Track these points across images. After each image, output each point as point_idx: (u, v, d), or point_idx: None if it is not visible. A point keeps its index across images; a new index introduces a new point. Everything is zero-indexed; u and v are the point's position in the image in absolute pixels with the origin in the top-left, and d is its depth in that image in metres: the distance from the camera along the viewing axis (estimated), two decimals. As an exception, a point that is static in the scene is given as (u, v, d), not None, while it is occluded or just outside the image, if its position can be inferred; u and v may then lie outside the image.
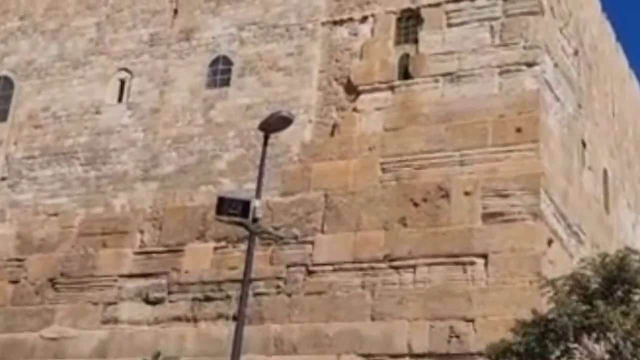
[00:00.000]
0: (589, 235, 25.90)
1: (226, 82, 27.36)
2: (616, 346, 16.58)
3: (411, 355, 21.92)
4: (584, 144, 27.10)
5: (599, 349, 17.03)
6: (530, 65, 23.79)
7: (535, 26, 24.19)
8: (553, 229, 22.98)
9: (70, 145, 28.62)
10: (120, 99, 28.82)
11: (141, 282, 25.71)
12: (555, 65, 25.09)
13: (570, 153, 25.59)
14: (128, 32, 29.53)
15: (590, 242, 25.78)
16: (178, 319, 24.91)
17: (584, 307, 16.54)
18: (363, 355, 22.39)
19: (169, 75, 28.25)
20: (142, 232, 26.45)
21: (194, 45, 28.29)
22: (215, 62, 27.79)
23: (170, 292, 25.30)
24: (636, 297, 17.10)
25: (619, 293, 16.95)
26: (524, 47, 23.98)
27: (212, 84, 27.55)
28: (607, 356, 16.97)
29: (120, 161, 27.69)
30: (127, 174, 27.45)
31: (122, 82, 28.99)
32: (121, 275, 26.07)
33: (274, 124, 18.33)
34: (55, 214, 27.77)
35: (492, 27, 24.49)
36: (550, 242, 22.58)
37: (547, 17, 24.74)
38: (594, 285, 17.09)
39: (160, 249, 25.95)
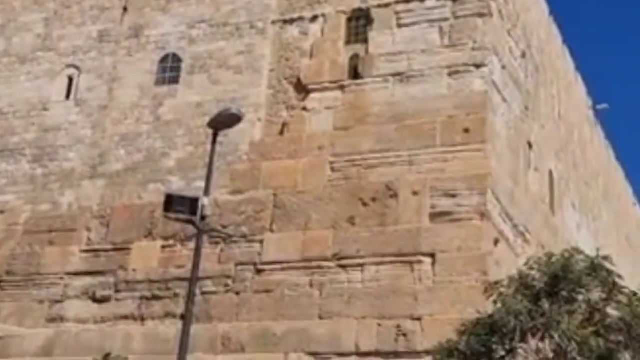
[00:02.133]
0: (535, 235, 26.20)
1: (175, 80, 27.25)
2: (560, 345, 16.76)
3: (358, 353, 22.00)
4: (530, 146, 27.41)
5: (544, 348, 17.21)
6: (478, 66, 24.03)
7: (484, 28, 24.43)
8: (499, 229, 23.22)
9: (17, 142, 28.31)
10: (68, 96, 28.56)
11: (88, 281, 25.50)
12: (503, 67, 25.36)
13: (516, 154, 25.87)
14: (76, 29, 29.27)
15: (536, 242, 26.08)
16: (125, 317, 24.74)
17: (529, 307, 16.69)
18: (311, 354, 22.42)
19: (118, 72, 28.06)
20: (89, 230, 26.24)
21: (143, 43, 28.13)
22: (164, 59, 27.66)
23: (117, 291, 25.13)
24: (581, 297, 17.30)
25: (564, 293, 17.13)
26: (473, 49, 24.21)
27: (161, 81, 27.42)
28: (551, 355, 17.15)
29: (67, 158, 27.45)
30: (74, 171, 27.22)
31: (70, 78, 28.75)
32: (68, 274, 25.84)
33: (224, 121, 18.31)
34: (1, 212, 27.46)
35: (441, 28, 24.69)
36: (496, 241, 22.82)
37: (495, 20, 24.99)
38: (540, 285, 17.26)
39: (108, 247, 25.76)
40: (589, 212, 35.11)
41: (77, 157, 27.33)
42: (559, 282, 17.03)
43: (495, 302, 17.38)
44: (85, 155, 27.25)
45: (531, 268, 17.72)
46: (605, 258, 17.34)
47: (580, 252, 17.65)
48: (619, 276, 17.24)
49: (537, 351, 17.07)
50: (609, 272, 17.14)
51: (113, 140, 27.13)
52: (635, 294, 17.00)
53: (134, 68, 27.85)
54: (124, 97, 27.60)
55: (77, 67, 28.71)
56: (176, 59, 27.50)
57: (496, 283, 17.78)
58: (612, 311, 16.93)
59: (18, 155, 28.07)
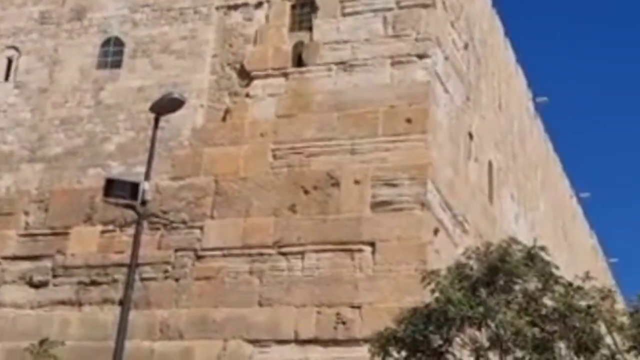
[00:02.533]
0: (474, 225, 26.48)
1: (117, 64, 26.99)
2: (497, 335, 16.98)
3: (297, 341, 22.07)
4: (470, 136, 27.67)
5: (480, 336, 17.42)
6: (421, 57, 24.16)
7: (427, 19, 24.57)
8: (439, 218, 23.43)
9: (-46, 123, 27.82)
10: (7, 78, 28.12)
11: (25, 265, 25.20)
12: (446, 58, 25.54)
13: (457, 144, 26.10)
14: (17, 10, 28.81)
15: (475, 231, 26.36)
16: (62, 303, 24.51)
17: (465, 296, 16.88)
18: (250, 341, 22.43)
19: (59, 54, 27.70)
20: (27, 213, 25.91)
21: (85, 26, 27.80)
22: (106, 43, 27.38)
23: (55, 276, 24.87)
24: (517, 287, 17.54)
25: (501, 282, 17.35)
26: (416, 39, 24.33)
27: (103, 65, 27.15)
28: (487, 344, 17.37)
29: (5, 141, 27.05)
30: (13, 154, 26.84)
31: (10, 60, 28.30)
32: (5, 258, 25.50)
33: (166, 106, 18.23)
34: (-63, 194, 26.97)
35: (385, 18, 24.77)
36: (436, 231, 23.02)
37: (438, 10, 25.15)
38: (477, 275, 17.46)
39: (46, 231, 25.47)
40: (527, 203, 35.57)
41: (16, 140, 26.94)
42: (497, 272, 17.25)
43: (433, 291, 17.55)
44: (24, 138, 26.88)
45: (469, 257, 17.93)
46: (542, 248, 17.62)
47: (517, 242, 17.89)
48: (555, 266, 17.52)
49: (474, 340, 17.30)
50: (546, 263, 17.41)
51: (53, 123, 26.79)
52: (570, 284, 17.28)
53: (75, 51, 27.52)
54: (64, 80, 27.27)
55: (16, 49, 28.27)
56: (118, 42, 27.24)
57: (433, 272, 17.95)
58: (548, 301, 17.20)
59: (-45, 137, 27.60)
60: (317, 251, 22.78)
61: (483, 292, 17.09)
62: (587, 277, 17.75)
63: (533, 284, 17.33)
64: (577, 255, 44.56)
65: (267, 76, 25.28)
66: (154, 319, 23.30)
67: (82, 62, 27.28)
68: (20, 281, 25.10)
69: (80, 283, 24.51)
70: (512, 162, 33.71)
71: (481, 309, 16.62)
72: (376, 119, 23.73)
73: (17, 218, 25.91)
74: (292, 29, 25.82)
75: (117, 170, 25.08)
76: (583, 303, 17.04)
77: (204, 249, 23.79)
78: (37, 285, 24.91)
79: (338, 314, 21.97)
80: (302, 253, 22.90)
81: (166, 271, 23.88)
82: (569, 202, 46.34)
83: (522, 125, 36.40)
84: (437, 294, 17.37)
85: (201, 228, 24.06)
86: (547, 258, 17.45)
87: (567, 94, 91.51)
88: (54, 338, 21.98)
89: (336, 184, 23.31)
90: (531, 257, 17.34)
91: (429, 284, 17.71)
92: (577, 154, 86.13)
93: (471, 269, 17.54)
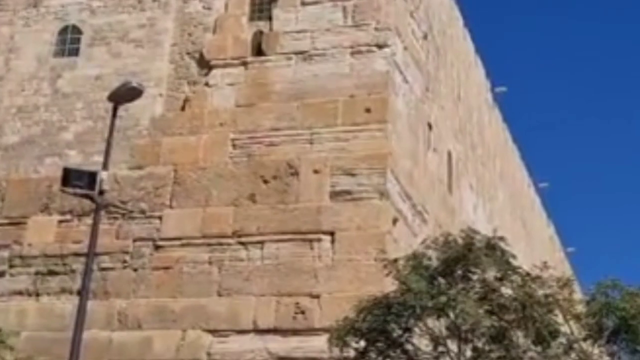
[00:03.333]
0: (433, 215, 26.60)
1: (75, 52, 26.75)
2: (455, 324, 17.08)
3: (256, 330, 22.06)
4: (430, 126, 27.77)
5: (438, 326, 17.52)
6: (380, 47, 24.20)
7: (387, 9, 24.60)
8: (398, 208, 23.50)
9: None
10: (-38, 65, 27.77)
11: (-19, 255, 24.94)
12: (405, 48, 25.59)
13: (416, 134, 26.18)
14: (-28, -4, 28.44)
15: (434, 221, 26.49)
16: (19, 293, 24.30)
17: (425, 286, 16.95)
18: (209, 331, 22.39)
19: (15, 42, 27.38)
20: (-17, 203, 25.63)
21: (42, 13, 27.50)
22: (64, 30, 27.11)
23: (11, 266, 24.64)
24: (476, 277, 17.65)
25: (460, 272, 17.46)
26: (376, 29, 24.35)
27: (60, 53, 26.88)
28: (445, 333, 17.47)
29: (-39, 130, 26.72)
30: (-32, 143, 26.51)
31: (-35, 47, 27.94)
32: (-40, 248, 25.21)
33: (124, 94, 18.12)
34: None
35: (344, 8, 24.75)
36: (395, 221, 23.10)
37: (398, 1, 25.20)
38: (436, 265, 17.54)
39: (3, 221, 25.20)
40: (486, 193, 35.80)
41: (-28, 128, 26.63)
42: (456, 262, 17.35)
43: (394, 280, 17.61)
44: (-20, 126, 26.57)
45: (428, 247, 18.01)
46: (501, 238, 17.74)
47: (476, 232, 17.99)
48: (513, 256, 17.65)
49: (432, 330, 17.40)
50: (504, 252, 17.53)
51: (9, 112, 26.50)
52: (528, 274, 17.43)
53: (32, 38, 27.21)
54: (21, 68, 26.97)
55: (-28, 36, 27.92)
56: (76, 30, 26.98)
57: (395, 260, 18.01)
58: (506, 291, 17.33)
59: None
60: (276, 241, 22.77)
61: (442, 282, 17.18)
62: (545, 266, 17.91)
63: (492, 274, 17.46)
64: (535, 245, 44.95)
65: (226, 65, 25.18)
66: (113, 309, 23.17)
67: (39, 50, 27.00)
68: (-24, 271, 24.83)
69: (37, 273, 24.30)
70: (471, 152, 33.90)
71: (442, 298, 16.71)
72: (335, 109, 23.74)
73: (-27, 208, 25.61)
74: (251, 18, 25.73)
75: (74, 159, 24.85)
76: (541, 292, 17.20)
77: (162, 239, 23.69)
78: (-6, 276, 24.66)
79: (297, 303, 21.98)
80: (261, 243, 22.88)
81: (124, 261, 23.75)
82: (527, 191, 46.71)
83: (481, 116, 36.60)
84: (396, 284, 17.45)
85: (160, 218, 23.95)
86: (505, 248, 17.58)
87: (525, 83, 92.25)
88: (11, 328, 21.82)
89: (295, 174, 23.31)
90: (491, 247, 17.45)
91: (389, 273, 17.78)
92: (536, 144, 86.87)
93: (429, 259, 17.63)
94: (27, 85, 26.67)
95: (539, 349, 17.14)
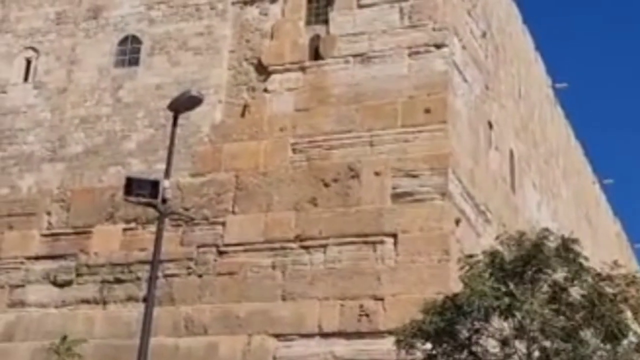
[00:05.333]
0: (496, 214, 26.37)
1: (135, 62, 27.03)
2: (522, 324, 16.92)
3: (322, 334, 22.06)
4: (490, 125, 27.54)
5: (506, 327, 17.36)
6: (438, 47, 24.06)
7: (444, 8, 24.46)
8: (461, 208, 23.34)
9: (-24, 125, 27.96)
10: (26, 78, 28.24)
11: (49, 265, 25.32)
12: (464, 47, 25.42)
13: (477, 134, 25.99)
14: (34, 10, 28.91)
15: (497, 221, 26.25)
16: (86, 301, 24.62)
17: (494, 287, 16.80)
18: (274, 335, 22.44)
19: (77, 54, 27.77)
20: (49, 213, 26.03)
21: (102, 24, 27.86)
22: (124, 41, 27.42)
23: (78, 275, 24.98)
24: (544, 277, 17.46)
25: (530, 273, 17.28)
26: (433, 29, 24.22)
27: (120, 63, 27.20)
28: (513, 334, 17.30)
29: (26, 142, 27.17)
30: (33, 154, 26.95)
31: (29, 61, 28.41)
32: (28, 258, 25.64)
33: (184, 103, 18.22)
34: (-40, 196, 27.12)
35: (401, 9, 24.66)
36: (457, 221, 22.93)
37: (455, 0, 25.03)
38: (508, 265, 17.35)
39: (68, 230, 25.58)
40: (549, 191, 35.40)
41: (36, 140, 27.05)
42: (529, 261, 17.17)
43: (460, 280, 17.48)
44: (45, 138, 26.99)
45: (502, 243, 17.83)
46: (575, 240, 17.52)
47: (549, 232, 17.77)
48: (586, 258, 17.44)
49: (500, 330, 17.25)
50: (577, 254, 17.32)
51: (72, 123, 26.88)
52: (599, 274, 17.20)
53: (92, 50, 27.57)
54: (83, 79, 27.34)
55: (35, 49, 28.38)
56: (135, 40, 27.27)
57: (470, 257, 17.85)
58: (574, 291, 17.12)
59: (-24, 139, 27.73)
60: (338, 244, 22.76)
61: (511, 282, 17.03)
62: (615, 265, 17.66)
63: (561, 274, 17.26)
64: (602, 242, 44.35)
65: (284, 70, 25.26)
66: (178, 315, 23.36)
67: (100, 61, 27.34)
68: (44, 281, 25.23)
69: (103, 281, 24.60)
70: (534, 150, 33.55)
71: (507, 299, 16.56)
72: (395, 110, 23.67)
73: (40, 218, 26.04)
74: (308, 22, 25.76)
75: (137, 168, 25.14)
76: (609, 290, 16.96)
77: (226, 245, 23.82)
78: (61, 285, 25.02)
79: (361, 306, 21.94)
80: (324, 246, 22.88)
81: (189, 267, 23.93)
82: (591, 188, 46.09)
83: (543, 113, 36.20)
84: (464, 284, 17.32)
85: (223, 224, 24.09)
86: (579, 250, 17.37)
87: (587, 79, 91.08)
88: (78, 336, 22.11)
89: (356, 176, 23.28)
90: (565, 248, 17.25)
91: (462, 268, 17.64)
92: (599, 140, 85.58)
93: (502, 258, 17.44)
94: (89, 96, 27.04)
95: (608, 347, 16.90)
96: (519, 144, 31.19)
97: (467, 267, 17.56)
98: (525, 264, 17.17)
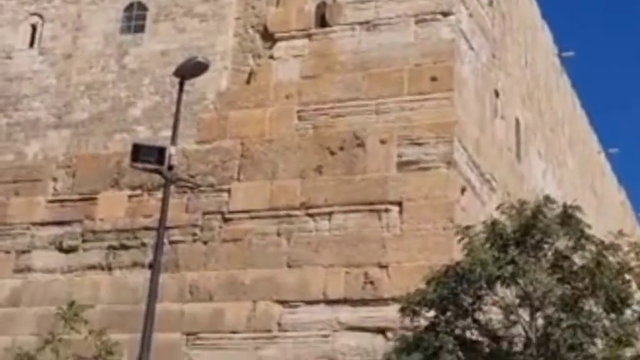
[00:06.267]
0: (501, 183, 26.38)
1: (141, 28, 26.95)
2: (526, 292, 16.98)
3: (326, 301, 22.17)
4: (496, 94, 27.49)
5: (509, 294, 17.43)
6: (445, 14, 23.97)
7: (451, -25, 24.30)
8: (466, 177, 23.35)
9: (-20, 91, 27.96)
10: (31, 45, 28.18)
11: (55, 231, 25.42)
12: (470, 15, 25.32)
13: (483, 102, 25.95)
14: (39, -24, 28.81)
15: (502, 189, 26.27)
16: (92, 267, 24.74)
17: (497, 255, 16.85)
18: (279, 302, 22.56)
19: (82, 20, 27.68)
20: (55, 180, 26.09)
21: (107, -9, 27.74)
22: (129, 7, 27.31)
23: (84, 241, 25.08)
24: (547, 246, 17.50)
25: (533, 241, 17.32)
26: (440, -3, 24.11)
27: (126, 30, 27.11)
28: (516, 301, 17.38)
29: (32, 108, 27.17)
30: (39, 120, 26.96)
31: (34, 27, 28.35)
32: (34, 224, 25.73)
33: (190, 70, 18.23)
34: (-35, 162, 27.17)
35: (408, -24, 24.52)
36: (463, 190, 22.97)
37: (462, -33, 24.90)
38: (509, 234, 17.40)
39: (74, 197, 25.65)
40: (554, 160, 35.38)
41: (42, 106, 27.05)
42: (529, 230, 17.21)
43: (463, 249, 17.54)
44: (50, 104, 26.99)
45: (502, 213, 17.87)
46: (577, 208, 17.53)
47: (552, 201, 17.80)
48: (588, 226, 17.46)
49: (503, 299, 17.32)
50: (579, 222, 17.35)
51: (78, 89, 26.87)
52: (602, 242, 17.23)
53: (98, 16, 27.49)
54: (88, 45, 27.28)
55: (40, 16, 28.30)
56: (141, 7, 27.17)
57: (468, 227, 17.92)
58: (577, 259, 17.17)
59: (-19, 105, 27.74)
60: (344, 212, 22.81)
61: (514, 250, 17.06)
62: (620, 234, 17.69)
63: (564, 242, 17.30)
64: (606, 211, 44.35)
65: (290, 37, 25.19)
66: (184, 281, 23.48)
67: (106, 28, 27.28)
68: (50, 246, 25.34)
69: (109, 247, 24.71)
70: (539, 119, 33.48)
71: (510, 267, 16.62)
72: (401, 78, 23.62)
73: (46, 184, 26.10)
74: (314, -11, 25.64)
75: (143, 134, 25.16)
76: (613, 260, 17.00)
77: (231, 212, 23.88)
78: (67, 250, 25.13)
79: (366, 273, 22.04)
80: (329, 214, 22.94)
81: (194, 234, 24.01)
82: (597, 157, 46.04)
83: (549, 81, 36.09)
84: (466, 253, 17.39)
85: (228, 191, 24.14)
86: (581, 217, 17.39)
87: (593, 47, 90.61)
88: (85, 302, 22.19)
89: (362, 145, 23.28)
90: (567, 216, 17.28)
91: (462, 239, 17.71)
92: (605, 109, 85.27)
93: (503, 227, 17.50)
94: (94, 63, 27.00)
95: (611, 316, 16.97)
96: (525, 112, 31.13)
97: (466, 239, 17.62)
98: (526, 232, 17.22)
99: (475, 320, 17.58)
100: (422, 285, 17.71)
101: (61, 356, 19.65)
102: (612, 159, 48.19)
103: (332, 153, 23.48)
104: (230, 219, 23.84)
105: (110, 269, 24.58)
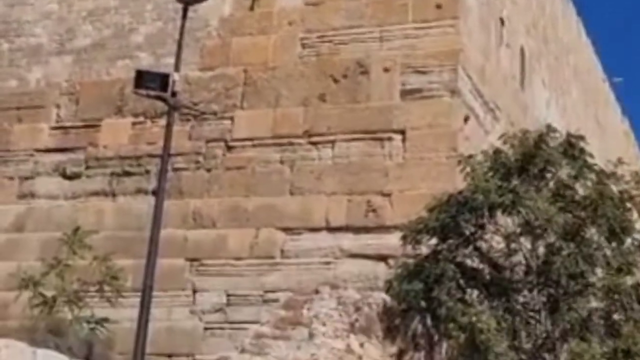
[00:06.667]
0: (505, 112, 26.30)
1: (142, -47, 26.66)
2: (527, 221, 17.07)
3: (329, 228, 22.27)
4: (502, 22, 27.25)
5: (511, 223, 17.53)
6: (450, -59, 23.65)
7: None
8: (470, 105, 23.28)
9: (-19, 16, 27.77)
10: (32, -31, 27.91)
11: (58, 157, 25.45)
12: (476, -59, 24.98)
13: (488, 30, 25.74)
14: None
15: (506, 119, 26.20)
16: (96, 193, 24.82)
17: (498, 184, 16.91)
18: (282, 229, 22.68)
19: (83, -56, 27.37)
20: (58, 106, 26.04)
21: None
22: None
23: (88, 167, 25.13)
24: (550, 175, 17.55)
25: (535, 170, 17.36)
26: None
27: (128, -46, 26.83)
28: (518, 230, 17.48)
29: (34, 34, 27.00)
30: (41, 47, 26.80)
31: (35, -49, 28.03)
32: (37, 150, 25.76)
33: (193, -5, 18.07)
34: (-33, 88, 27.12)
35: None
36: (466, 118, 22.91)
37: None
38: (512, 162, 17.44)
39: (77, 123, 25.63)
40: (559, 89, 35.22)
41: (44, 32, 26.87)
42: (532, 158, 17.25)
43: (466, 177, 17.59)
44: (53, 30, 26.80)
45: (505, 143, 17.90)
46: (580, 137, 17.54)
47: (554, 130, 17.80)
48: (591, 155, 17.48)
49: (505, 227, 17.43)
50: (581, 151, 17.37)
51: (80, 15, 26.65)
52: (603, 171, 17.27)
53: (99, -59, 27.16)
54: (90, -30, 27.02)
55: (41, -60, 27.96)
56: None
57: (470, 157, 17.95)
58: (580, 188, 17.23)
59: (-17, 30, 27.58)
60: (347, 140, 22.79)
61: (516, 179, 17.13)
62: (619, 162, 17.72)
63: (566, 171, 17.34)
64: (609, 140, 44.28)
65: (294, -37, 24.89)
66: (187, 208, 23.58)
67: (107, -48, 26.96)
68: (53, 173, 25.40)
69: (113, 174, 24.75)
70: (544, 47, 33.25)
71: (510, 196, 16.69)
72: (405, 5, 23.39)
73: (48, 111, 26.06)
74: None
75: (146, 61, 25.02)
76: (615, 189, 17.06)
77: (234, 140, 23.88)
78: (71, 177, 25.19)
79: (369, 201, 22.10)
80: (332, 142, 22.93)
81: (197, 162, 24.04)
82: (601, 87, 45.82)
83: (554, 9, 35.74)
84: (469, 181, 17.45)
85: (231, 118, 24.11)
86: (583, 146, 17.40)
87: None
88: (89, 228, 22.28)
89: (365, 72, 23.16)
90: (570, 145, 17.29)
91: (463, 169, 17.76)
92: (610, 38, 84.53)
93: (506, 156, 17.54)
94: (97, -12, 26.76)
95: (612, 245, 17.09)
96: (530, 40, 30.90)
97: (469, 167, 17.65)
98: (528, 161, 17.24)
99: (477, 248, 17.73)
100: (424, 213, 17.80)
101: (66, 281, 19.80)
102: (616, 88, 47.99)
103: (336, 81, 23.37)
104: (233, 147, 23.85)
105: (114, 195, 24.66)
